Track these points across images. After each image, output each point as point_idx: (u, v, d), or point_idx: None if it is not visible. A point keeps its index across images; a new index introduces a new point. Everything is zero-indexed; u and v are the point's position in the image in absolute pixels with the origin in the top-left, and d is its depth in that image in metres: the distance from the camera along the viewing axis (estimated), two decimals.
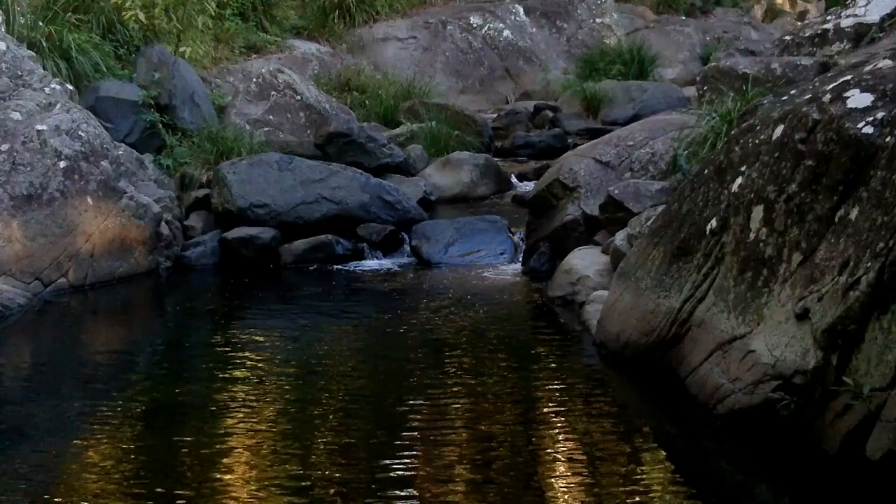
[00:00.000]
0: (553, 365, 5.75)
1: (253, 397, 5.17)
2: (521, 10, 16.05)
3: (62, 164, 7.46)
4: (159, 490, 4.04)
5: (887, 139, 4.10)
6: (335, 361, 5.84)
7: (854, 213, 4.15)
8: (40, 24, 9.17)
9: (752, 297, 4.58)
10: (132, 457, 4.43)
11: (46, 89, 7.98)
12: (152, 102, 9.36)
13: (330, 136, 10.11)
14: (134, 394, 5.31)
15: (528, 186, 9.77)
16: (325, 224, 8.38)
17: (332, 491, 4.04)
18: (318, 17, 14.30)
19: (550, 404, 5.07)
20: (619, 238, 6.45)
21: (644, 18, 17.46)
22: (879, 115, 4.19)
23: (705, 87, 7.95)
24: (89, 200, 7.51)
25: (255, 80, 11.49)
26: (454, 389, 5.23)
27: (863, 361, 3.93)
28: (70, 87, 8.51)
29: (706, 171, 5.17)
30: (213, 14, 11.57)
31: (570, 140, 11.45)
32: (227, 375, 5.53)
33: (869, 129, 4.16)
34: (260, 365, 5.71)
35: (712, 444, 4.58)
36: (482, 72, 14.99)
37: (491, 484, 4.11)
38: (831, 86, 4.52)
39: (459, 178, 10.08)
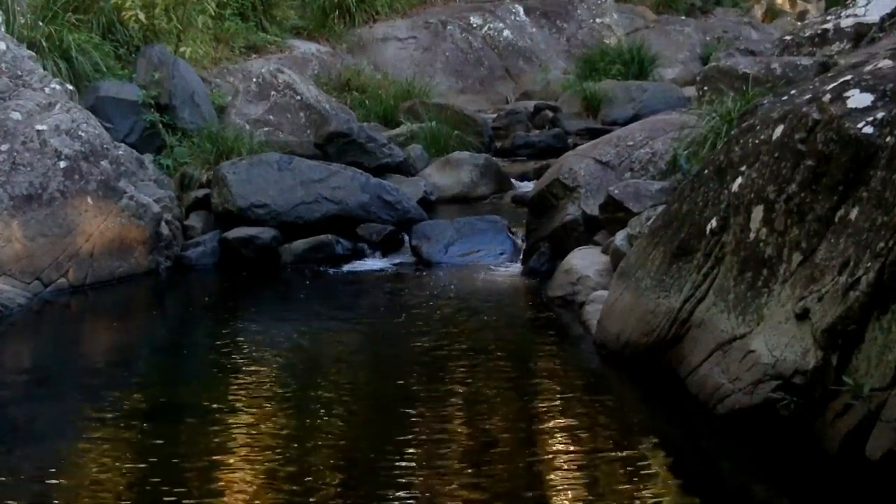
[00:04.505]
0: (553, 365, 5.75)
1: (253, 398, 5.17)
2: (521, 10, 16.04)
3: (62, 164, 7.45)
4: (159, 490, 4.04)
5: (887, 139, 4.10)
6: (336, 361, 5.84)
7: (854, 213, 4.15)
8: (40, 24, 9.16)
9: (752, 297, 4.58)
10: (132, 457, 4.43)
11: (46, 89, 7.97)
12: (152, 102, 9.35)
13: (330, 136, 10.11)
14: (134, 394, 5.31)
15: (528, 186, 9.76)
16: (325, 224, 8.37)
17: (333, 491, 4.05)
18: (318, 17, 14.29)
19: (550, 404, 5.07)
20: (619, 238, 6.45)
21: (644, 18, 17.45)
22: (879, 115, 4.19)
23: (705, 87, 7.94)
24: (89, 200, 7.50)
25: (255, 80, 11.48)
26: (454, 389, 5.24)
27: (863, 361, 3.93)
28: (70, 87, 8.49)
29: (706, 171, 5.17)
30: (213, 14, 11.55)
31: (570, 140, 11.44)
32: (226, 376, 5.53)
33: (869, 129, 4.16)
34: (260, 365, 5.71)
35: (712, 444, 4.58)
36: (482, 72, 14.98)
37: (491, 483, 4.11)
38: (831, 86, 4.52)
39: (459, 178, 10.07)
